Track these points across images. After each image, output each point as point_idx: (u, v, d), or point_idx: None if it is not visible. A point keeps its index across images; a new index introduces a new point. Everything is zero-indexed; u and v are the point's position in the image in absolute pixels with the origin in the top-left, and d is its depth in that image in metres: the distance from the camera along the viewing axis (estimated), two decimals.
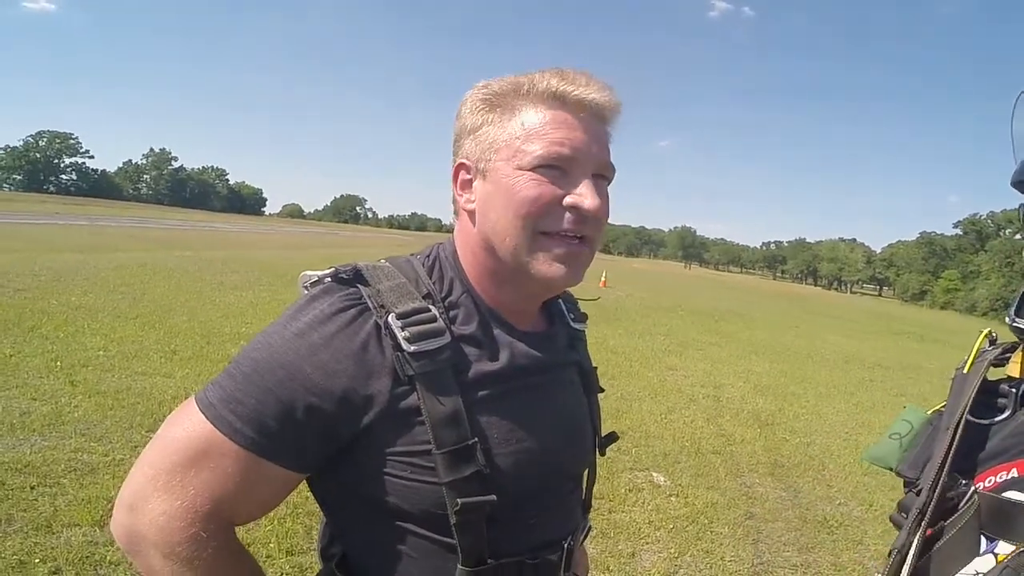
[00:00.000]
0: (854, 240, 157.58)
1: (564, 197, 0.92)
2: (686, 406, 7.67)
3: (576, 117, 0.93)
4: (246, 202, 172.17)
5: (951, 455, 0.96)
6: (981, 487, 0.94)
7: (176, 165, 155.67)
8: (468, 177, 0.99)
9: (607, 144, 0.98)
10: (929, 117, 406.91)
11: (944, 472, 0.95)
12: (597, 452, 1.19)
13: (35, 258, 12.97)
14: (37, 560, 2.92)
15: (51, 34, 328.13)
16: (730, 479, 5.41)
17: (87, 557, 2.99)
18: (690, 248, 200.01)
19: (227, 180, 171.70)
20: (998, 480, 0.93)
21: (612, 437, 1.23)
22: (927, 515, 0.93)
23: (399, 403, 0.88)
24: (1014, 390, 1.01)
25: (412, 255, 1.04)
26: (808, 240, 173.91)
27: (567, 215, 0.93)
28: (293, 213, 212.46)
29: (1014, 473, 0.92)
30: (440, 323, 0.92)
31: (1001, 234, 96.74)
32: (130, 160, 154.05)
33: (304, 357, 0.86)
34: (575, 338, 1.16)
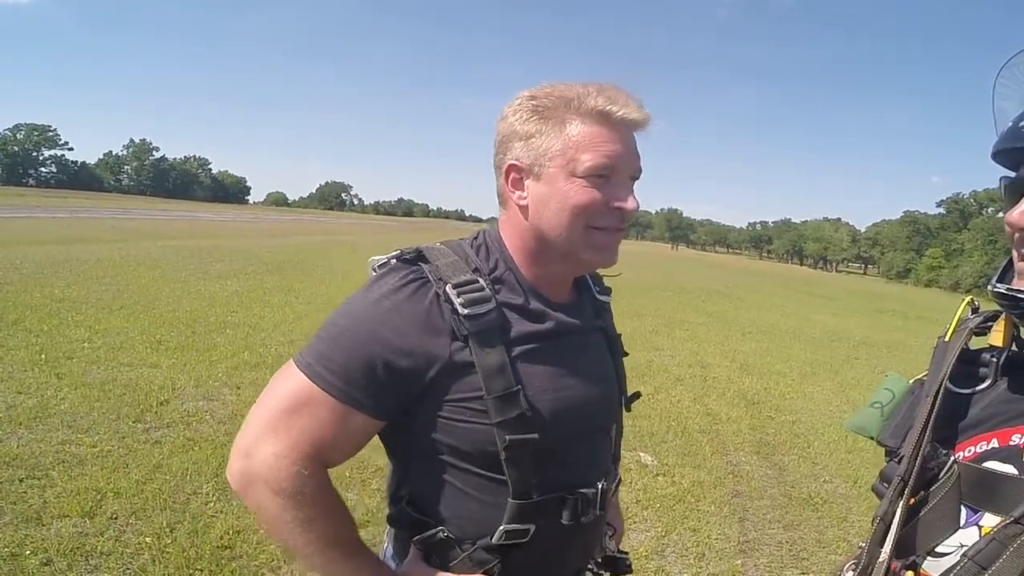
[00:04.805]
0: (839, 220, 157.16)
1: (610, 200, 1.10)
2: (673, 386, 7.73)
3: (617, 132, 1.10)
4: (230, 191, 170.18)
5: (932, 423, 0.96)
6: (961, 457, 0.94)
7: (158, 155, 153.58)
8: (519, 177, 1.15)
9: (638, 150, 1.15)
10: (912, 99, 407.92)
11: (925, 441, 0.95)
12: (624, 409, 1.38)
13: (16, 251, 12.84)
14: (28, 552, 2.92)
15: (26, 27, 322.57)
16: (716, 458, 5.46)
17: (78, 548, 3.00)
18: (677, 229, 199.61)
19: (210, 169, 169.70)
20: (978, 450, 0.93)
21: (636, 395, 1.43)
22: (909, 484, 0.94)
23: (456, 357, 1.06)
24: (995, 359, 1.00)
25: (462, 239, 1.22)
26: (793, 220, 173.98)
27: (614, 214, 1.12)
28: (278, 201, 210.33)
29: (994, 443, 0.92)
30: (487, 291, 1.09)
31: (983, 213, 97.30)
32: (111, 151, 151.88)
33: (381, 322, 1.04)
34: (601, 308, 1.35)
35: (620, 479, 1.42)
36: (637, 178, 1.16)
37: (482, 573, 1.12)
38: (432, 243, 1.17)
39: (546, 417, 1.10)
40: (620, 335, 1.40)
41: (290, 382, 1.06)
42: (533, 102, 1.13)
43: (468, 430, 1.08)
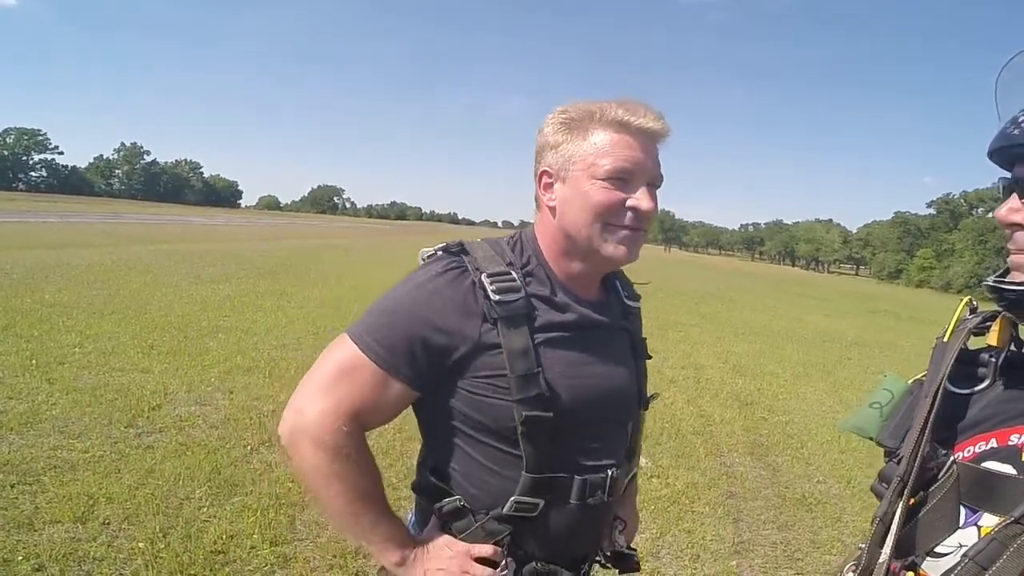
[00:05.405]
0: (830, 221, 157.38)
1: (626, 200, 1.22)
2: (666, 388, 7.72)
3: (636, 140, 1.22)
4: (221, 195, 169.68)
5: (931, 424, 0.96)
6: (960, 457, 0.94)
7: (149, 159, 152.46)
8: (550, 181, 1.28)
9: (658, 159, 1.27)
10: (906, 100, 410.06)
11: (924, 441, 0.95)
12: (642, 408, 1.46)
13: (7, 256, 12.77)
14: (20, 558, 2.90)
15: (14, 29, 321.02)
16: (710, 459, 5.47)
17: (70, 553, 2.98)
18: (669, 231, 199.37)
19: (202, 173, 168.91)
20: (977, 450, 0.94)
21: (654, 396, 1.51)
22: (908, 484, 0.94)
23: (486, 338, 1.19)
24: (993, 359, 1.00)
25: (500, 238, 1.35)
26: (785, 222, 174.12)
27: (628, 214, 1.23)
28: (270, 205, 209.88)
29: (993, 443, 0.92)
30: (518, 282, 1.22)
31: (974, 213, 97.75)
32: (101, 155, 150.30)
33: (423, 303, 1.19)
34: (628, 312, 1.45)
35: (635, 473, 1.52)
36: (657, 185, 1.26)
37: (492, 544, 1.24)
38: (474, 239, 1.32)
39: (562, 399, 1.21)
40: (646, 339, 1.49)
41: (342, 350, 1.20)
42: (564, 115, 1.26)
43: (491, 405, 1.20)
